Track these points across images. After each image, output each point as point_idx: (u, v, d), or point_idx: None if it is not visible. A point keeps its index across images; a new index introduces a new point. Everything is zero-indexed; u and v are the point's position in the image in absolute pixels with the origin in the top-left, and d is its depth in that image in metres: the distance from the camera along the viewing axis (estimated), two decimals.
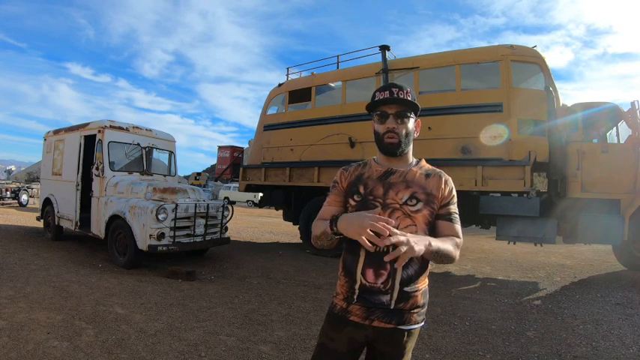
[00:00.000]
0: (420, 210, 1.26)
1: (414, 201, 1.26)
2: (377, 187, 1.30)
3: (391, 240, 1.09)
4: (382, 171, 1.33)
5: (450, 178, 1.36)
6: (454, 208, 1.32)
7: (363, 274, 1.26)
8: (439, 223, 1.30)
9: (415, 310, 1.27)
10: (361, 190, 1.32)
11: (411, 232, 1.24)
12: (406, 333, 1.27)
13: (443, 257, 1.23)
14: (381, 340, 1.28)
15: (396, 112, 1.30)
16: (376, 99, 1.31)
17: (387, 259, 1.14)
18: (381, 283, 1.24)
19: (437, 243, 1.20)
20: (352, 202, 1.33)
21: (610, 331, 3.62)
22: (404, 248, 1.08)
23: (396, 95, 1.28)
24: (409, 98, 1.28)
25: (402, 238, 1.10)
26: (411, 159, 1.38)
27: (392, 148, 1.31)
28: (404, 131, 1.30)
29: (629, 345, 3.29)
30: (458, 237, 1.30)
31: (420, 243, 1.13)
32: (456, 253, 1.26)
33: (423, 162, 1.39)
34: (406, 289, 1.25)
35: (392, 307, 1.24)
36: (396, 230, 1.13)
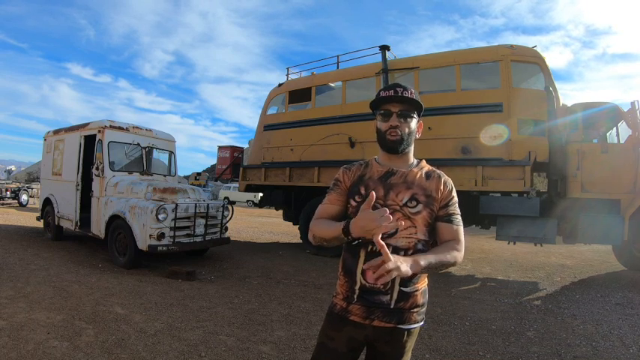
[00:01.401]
0: (419, 212, 1.26)
1: (414, 202, 1.27)
2: (377, 189, 1.30)
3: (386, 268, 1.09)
4: (383, 172, 1.33)
5: (450, 179, 1.36)
6: (453, 209, 1.31)
7: (363, 274, 1.26)
8: (439, 225, 1.30)
9: (415, 310, 1.28)
10: (362, 191, 1.32)
11: (410, 234, 1.25)
12: (406, 332, 1.27)
13: (439, 267, 1.23)
14: (381, 340, 1.28)
15: (400, 110, 1.31)
16: (380, 97, 1.32)
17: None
18: (381, 284, 1.24)
19: (427, 258, 1.20)
20: (353, 203, 1.33)
21: (610, 331, 3.62)
22: (390, 266, 1.08)
23: (400, 94, 1.29)
24: (414, 98, 1.30)
25: (391, 265, 1.08)
26: (412, 159, 1.38)
27: (394, 145, 1.31)
28: (406, 130, 1.31)
29: (629, 345, 3.29)
30: (457, 239, 1.28)
31: (405, 264, 1.12)
32: (456, 258, 1.25)
33: (424, 163, 1.39)
34: (406, 289, 1.25)
35: (392, 306, 1.24)
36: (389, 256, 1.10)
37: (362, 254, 1.27)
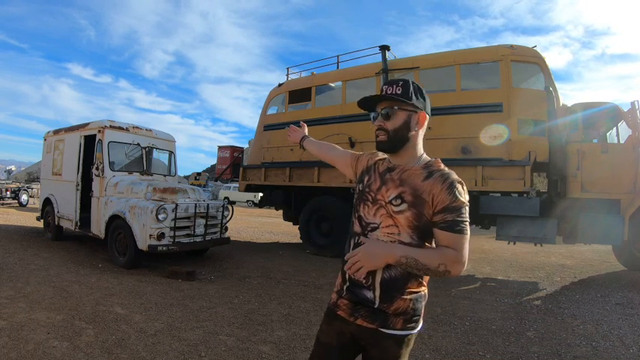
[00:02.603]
0: (402, 211, 1.18)
1: (399, 201, 1.20)
2: (375, 181, 1.30)
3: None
4: (386, 166, 1.32)
5: (458, 182, 1.18)
6: (454, 215, 1.13)
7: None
8: (435, 231, 1.17)
9: (401, 316, 1.20)
10: (365, 180, 1.34)
11: (392, 233, 1.21)
12: (389, 337, 1.20)
13: (423, 270, 1.14)
14: (366, 341, 1.25)
15: (382, 108, 1.29)
16: (363, 99, 1.34)
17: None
18: (363, 278, 1.23)
19: (410, 253, 1.14)
20: (357, 189, 1.37)
21: (610, 331, 3.62)
22: (355, 259, 1.21)
23: (384, 92, 1.26)
24: (398, 92, 1.24)
25: (355, 258, 1.21)
26: (418, 156, 1.29)
27: (381, 146, 1.30)
28: (391, 127, 1.26)
29: (629, 345, 3.29)
30: (455, 248, 1.13)
31: (376, 257, 1.19)
32: (447, 266, 1.12)
33: (434, 161, 1.26)
34: (389, 289, 1.20)
35: (376, 305, 1.21)
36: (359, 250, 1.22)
37: (351, 246, 1.29)
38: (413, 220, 1.18)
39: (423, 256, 1.14)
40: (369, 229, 1.25)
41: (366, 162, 1.42)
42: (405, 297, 1.20)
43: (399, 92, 1.24)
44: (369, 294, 1.23)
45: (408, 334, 1.22)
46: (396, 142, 1.26)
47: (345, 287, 1.29)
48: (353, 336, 1.28)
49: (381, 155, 1.40)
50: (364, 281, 1.23)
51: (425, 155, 1.31)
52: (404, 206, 1.18)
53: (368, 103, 1.34)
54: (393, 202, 1.21)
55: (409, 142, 1.27)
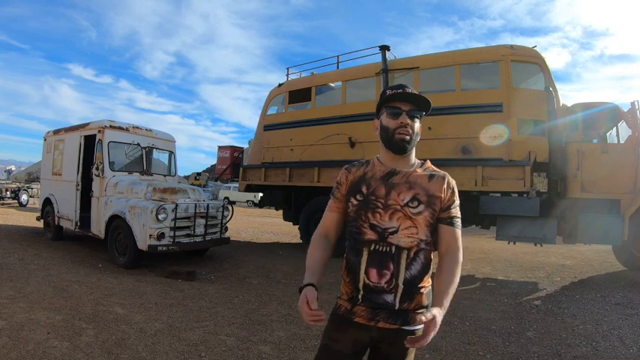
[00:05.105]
0: (421, 212, 1.26)
1: (416, 203, 1.26)
2: (379, 188, 1.29)
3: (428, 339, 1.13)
4: (385, 171, 1.33)
5: (454, 181, 1.35)
6: (455, 211, 1.32)
7: (367, 273, 1.26)
8: (440, 226, 1.31)
9: (420, 311, 1.26)
10: (364, 189, 1.31)
11: (412, 234, 1.25)
12: (409, 333, 1.25)
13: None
14: (386, 341, 1.27)
15: (410, 109, 1.30)
16: (392, 93, 1.31)
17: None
18: (385, 283, 1.23)
19: (449, 294, 1.22)
20: (354, 202, 1.32)
21: (610, 331, 3.62)
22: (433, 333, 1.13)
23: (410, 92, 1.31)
24: (424, 96, 1.32)
25: (433, 333, 1.12)
26: (414, 160, 1.37)
27: (403, 144, 1.29)
28: (414, 130, 1.31)
29: (629, 345, 3.29)
30: (456, 243, 1.30)
31: (439, 318, 1.14)
32: (459, 267, 1.28)
33: (428, 163, 1.38)
34: (410, 288, 1.24)
35: (397, 307, 1.24)
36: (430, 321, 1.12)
37: (365, 253, 1.27)
38: (429, 219, 1.27)
39: (452, 285, 1.24)
40: (387, 233, 1.25)
41: (352, 177, 1.37)
42: (422, 292, 1.27)
43: (424, 96, 1.32)
44: (389, 297, 1.24)
45: (422, 328, 1.24)
46: (412, 144, 1.32)
47: (359, 295, 1.27)
48: (372, 339, 1.28)
49: (361, 166, 1.39)
50: (386, 286, 1.23)
51: (416, 159, 1.39)
52: (421, 207, 1.26)
53: (388, 96, 1.33)
54: (410, 204, 1.26)
55: (414, 147, 1.35)
